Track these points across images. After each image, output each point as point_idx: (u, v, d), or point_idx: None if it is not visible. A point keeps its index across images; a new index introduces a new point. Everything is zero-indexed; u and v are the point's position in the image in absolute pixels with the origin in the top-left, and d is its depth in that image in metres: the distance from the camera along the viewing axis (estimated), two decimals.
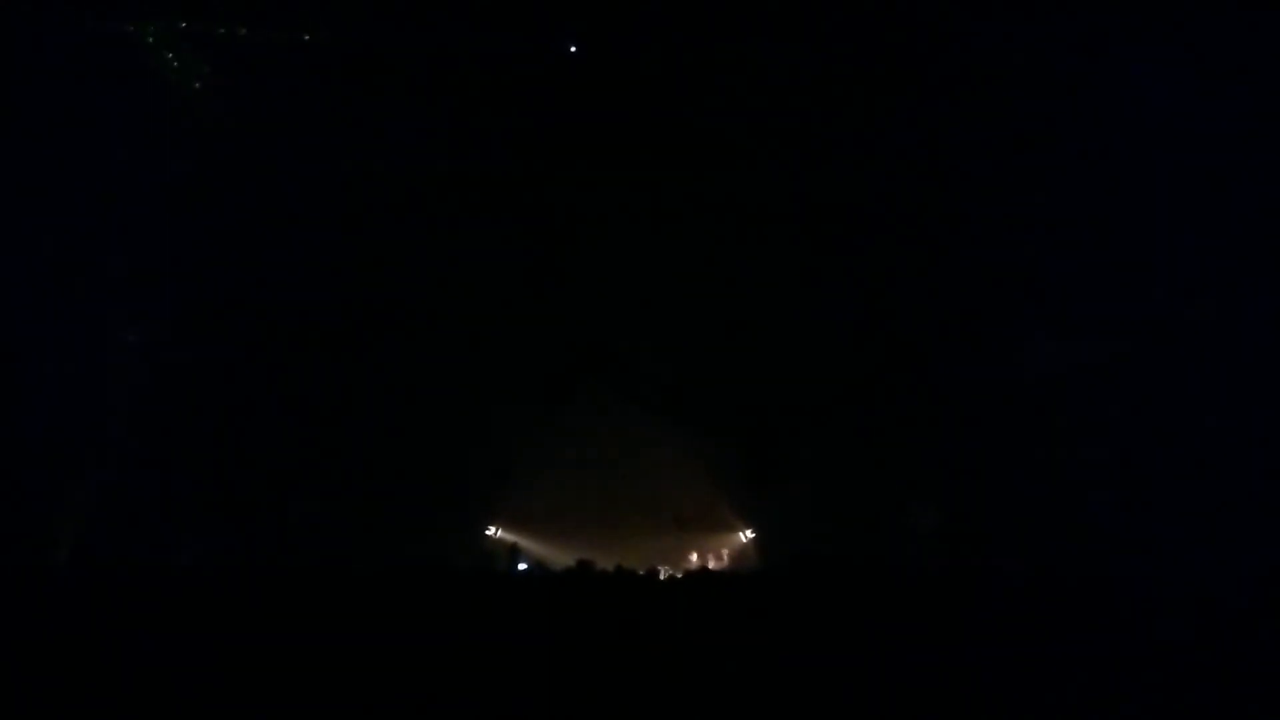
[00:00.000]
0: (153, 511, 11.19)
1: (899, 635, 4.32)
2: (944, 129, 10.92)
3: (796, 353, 14.25)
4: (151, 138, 10.57)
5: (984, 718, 3.48)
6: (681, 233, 12.89)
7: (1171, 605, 4.11)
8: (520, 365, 16.10)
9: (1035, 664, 3.80)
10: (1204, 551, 7.67)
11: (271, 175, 11.38)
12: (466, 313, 14.20)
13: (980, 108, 10.48)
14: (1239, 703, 3.29)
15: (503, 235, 12.90)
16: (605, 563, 9.81)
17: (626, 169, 11.85)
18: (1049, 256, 10.98)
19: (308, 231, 12.11)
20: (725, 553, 21.56)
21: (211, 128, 10.74)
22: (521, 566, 17.08)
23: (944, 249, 11.99)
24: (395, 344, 14.02)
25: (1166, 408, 9.40)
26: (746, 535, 20.95)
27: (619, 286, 14.21)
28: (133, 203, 10.83)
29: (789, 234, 12.68)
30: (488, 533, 20.54)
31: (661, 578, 9.57)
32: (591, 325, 15.30)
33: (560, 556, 18.26)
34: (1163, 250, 9.69)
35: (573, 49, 10.41)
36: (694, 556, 21.35)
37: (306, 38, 9.93)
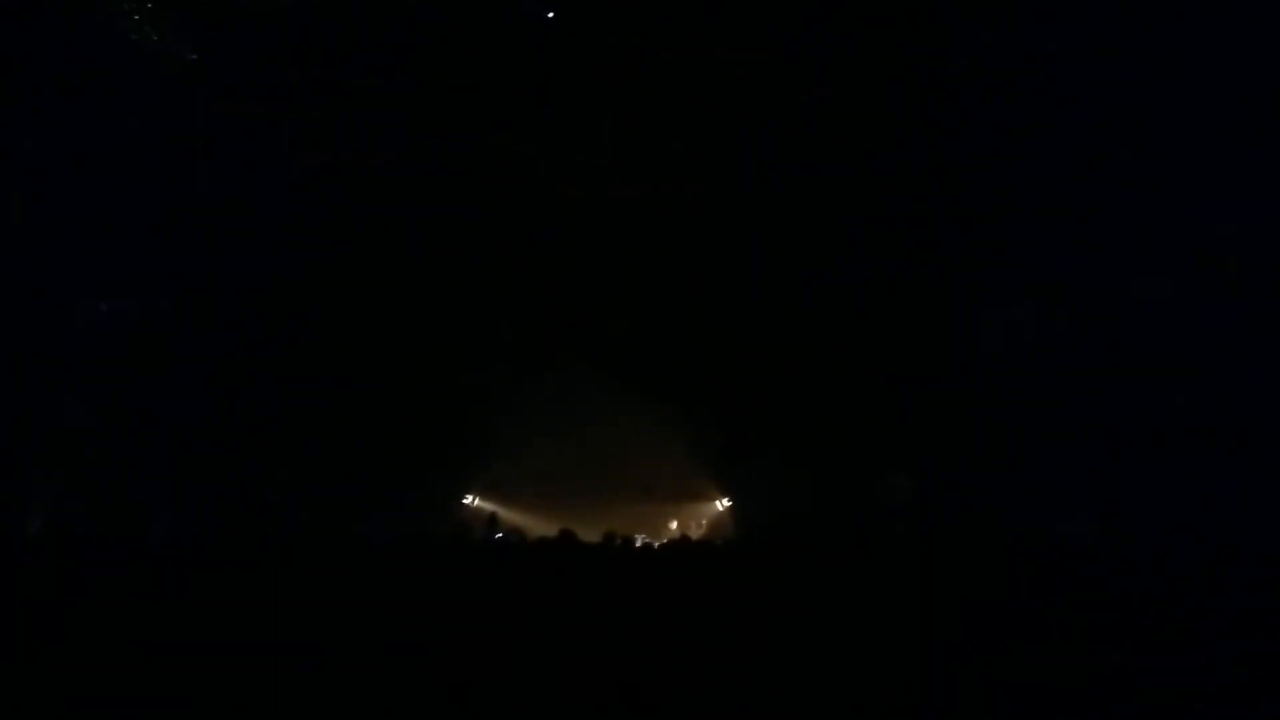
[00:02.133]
0: (124, 484, 11.06)
1: (873, 603, 4.38)
2: (916, 101, 10.89)
3: (772, 324, 14.31)
4: (118, 103, 10.25)
5: (959, 685, 3.55)
6: (660, 206, 12.82)
7: (1145, 576, 4.20)
8: (498, 336, 16.03)
9: (1009, 632, 3.88)
10: (1181, 521, 7.82)
11: (244, 143, 11.11)
12: (444, 283, 14.07)
13: (944, 75, 10.46)
14: (1213, 671, 3.38)
15: (481, 206, 12.75)
16: (582, 532, 9.83)
17: (606, 141, 11.74)
18: (1023, 228, 11.03)
19: (282, 200, 11.87)
20: (703, 522, 21.80)
21: (184, 95, 10.44)
22: (498, 536, 17.11)
23: (919, 220, 12.01)
24: (373, 315, 13.88)
25: (1143, 382, 9.53)
26: (723, 504, 21.20)
27: (596, 258, 14.14)
28: (95, 170, 10.52)
29: (765, 207, 12.65)
30: (465, 502, 20.61)
31: (638, 546, 9.61)
32: (569, 296, 15.24)
33: (538, 526, 18.36)
34: (1134, 225, 9.78)
35: (550, 15, 10.24)
36: (672, 525, 21.58)
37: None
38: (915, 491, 12.53)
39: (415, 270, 13.64)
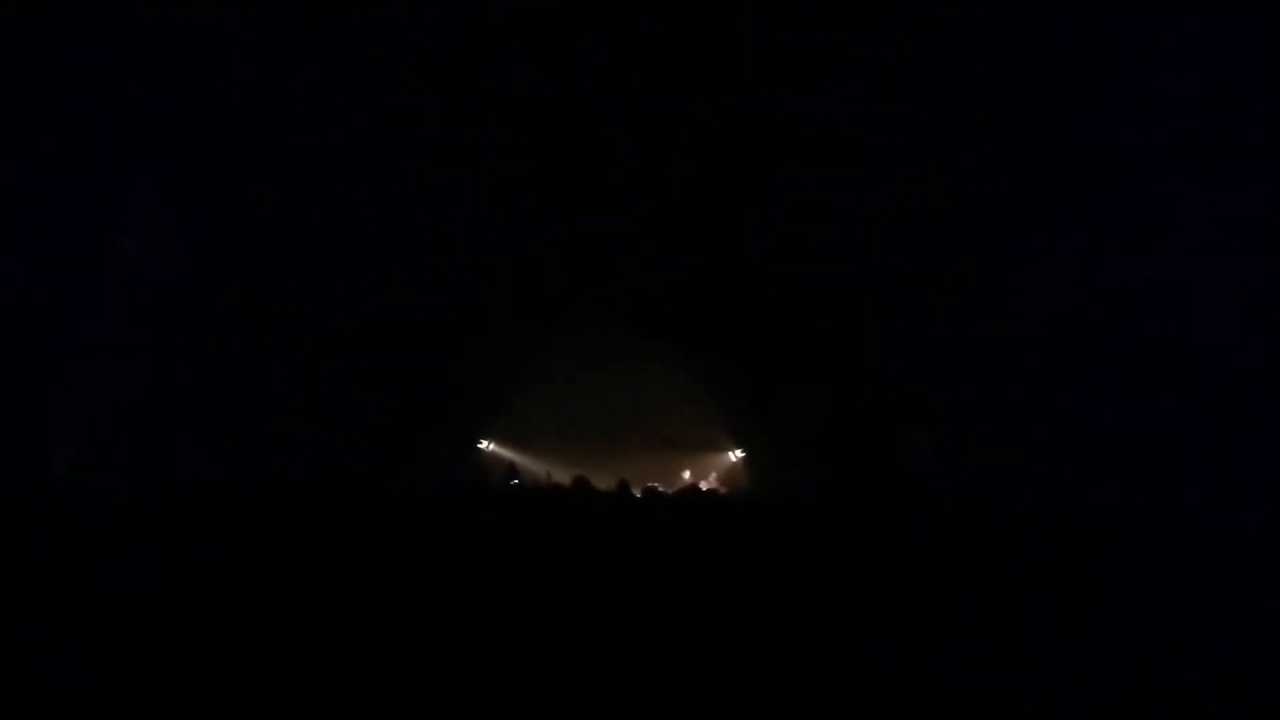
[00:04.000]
0: (148, 426, 11.20)
1: (889, 560, 4.38)
2: (949, 73, 10.58)
3: (791, 276, 14.19)
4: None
5: (970, 645, 3.55)
6: (680, 155, 12.64)
7: (1169, 545, 4.15)
8: (518, 283, 16.01)
9: (1025, 592, 3.86)
10: (1203, 489, 7.72)
11: (263, 85, 10.95)
12: (465, 229, 14.01)
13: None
14: (1235, 640, 3.36)
15: (502, 154, 12.60)
16: (599, 479, 9.91)
17: (627, 88, 11.53)
18: (1050, 185, 10.72)
19: (304, 143, 11.75)
20: (716, 473, 21.94)
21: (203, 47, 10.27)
22: (515, 482, 17.33)
23: (945, 173, 11.72)
24: (393, 259, 13.85)
25: (1169, 349, 9.32)
26: (737, 455, 21.32)
27: (617, 207, 14.01)
28: (118, 117, 10.39)
29: (786, 157, 12.42)
30: (483, 447, 20.84)
31: (654, 494, 9.68)
32: (589, 244, 15.16)
33: (555, 472, 18.57)
34: (1159, 194, 9.46)
35: None
36: (684, 474, 21.75)
37: None
38: (933, 450, 12.48)
39: (438, 215, 13.57)
